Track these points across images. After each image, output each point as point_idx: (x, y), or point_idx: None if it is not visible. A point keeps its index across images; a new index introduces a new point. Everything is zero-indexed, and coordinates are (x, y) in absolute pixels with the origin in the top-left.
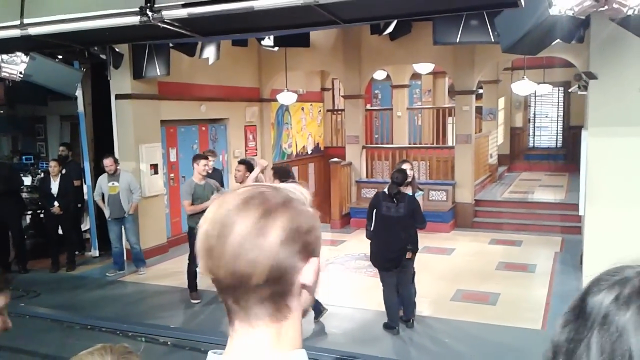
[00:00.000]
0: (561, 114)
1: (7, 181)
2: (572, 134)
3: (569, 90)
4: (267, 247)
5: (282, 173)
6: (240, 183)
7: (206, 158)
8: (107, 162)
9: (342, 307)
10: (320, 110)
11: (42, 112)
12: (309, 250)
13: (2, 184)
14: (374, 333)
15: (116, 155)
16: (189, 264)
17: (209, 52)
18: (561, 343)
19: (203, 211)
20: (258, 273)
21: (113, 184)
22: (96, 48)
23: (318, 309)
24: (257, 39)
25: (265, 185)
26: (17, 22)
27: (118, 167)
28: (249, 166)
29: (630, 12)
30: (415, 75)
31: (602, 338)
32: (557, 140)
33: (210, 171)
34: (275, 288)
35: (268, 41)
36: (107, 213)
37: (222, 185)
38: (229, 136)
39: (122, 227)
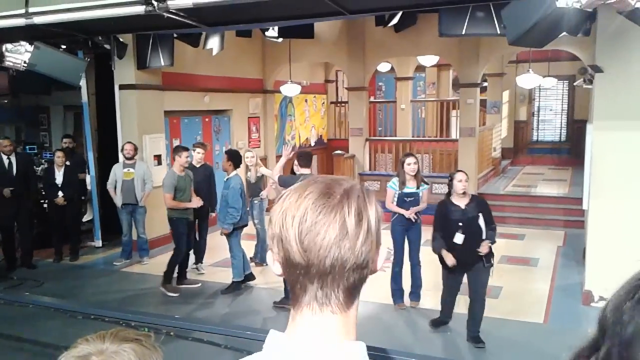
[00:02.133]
0: (565, 107)
1: (26, 177)
2: (576, 128)
3: (574, 84)
4: (362, 234)
5: (305, 158)
6: (225, 171)
7: (187, 150)
8: (128, 146)
9: None
10: (323, 102)
11: (45, 102)
12: (380, 239)
13: (22, 178)
14: (377, 324)
15: (119, 145)
16: (173, 255)
17: (213, 42)
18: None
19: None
20: (353, 259)
21: (129, 170)
22: (100, 38)
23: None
24: (261, 29)
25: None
26: (22, 11)
27: (136, 156)
28: (229, 156)
29: (638, 5)
30: (420, 68)
31: None
32: (561, 134)
33: (197, 165)
34: (361, 275)
35: (272, 32)
36: (118, 202)
37: (212, 179)
38: (232, 127)
39: (132, 216)
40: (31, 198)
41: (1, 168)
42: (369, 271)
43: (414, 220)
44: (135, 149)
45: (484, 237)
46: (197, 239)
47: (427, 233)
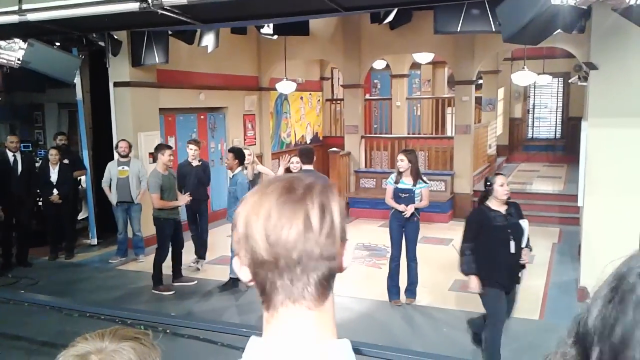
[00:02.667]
0: (560, 104)
1: (29, 175)
2: (571, 125)
3: (569, 81)
4: (329, 227)
5: (307, 155)
6: (230, 170)
7: (170, 148)
8: (123, 144)
9: (340, 296)
10: (319, 100)
11: (40, 99)
12: (345, 234)
13: (26, 175)
14: (373, 321)
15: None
16: (156, 255)
17: (208, 40)
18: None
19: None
20: (318, 251)
21: (123, 168)
22: (94, 35)
23: None
24: (256, 27)
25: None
26: (16, 8)
27: (130, 154)
28: (235, 154)
29: (632, 2)
30: (415, 65)
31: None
32: (556, 131)
33: (193, 162)
34: (329, 268)
35: (267, 29)
36: (113, 200)
37: (209, 176)
38: (227, 125)
39: (128, 214)
40: (32, 197)
41: (7, 165)
42: (336, 265)
43: (409, 217)
44: (130, 146)
45: (523, 245)
46: (196, 234)
47: (425, 230)
